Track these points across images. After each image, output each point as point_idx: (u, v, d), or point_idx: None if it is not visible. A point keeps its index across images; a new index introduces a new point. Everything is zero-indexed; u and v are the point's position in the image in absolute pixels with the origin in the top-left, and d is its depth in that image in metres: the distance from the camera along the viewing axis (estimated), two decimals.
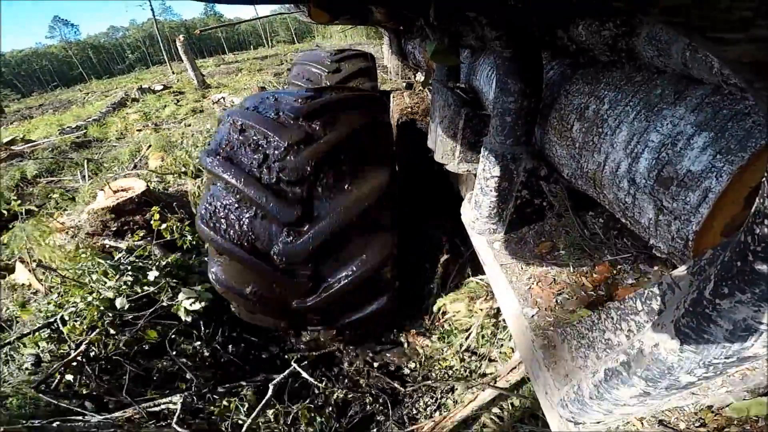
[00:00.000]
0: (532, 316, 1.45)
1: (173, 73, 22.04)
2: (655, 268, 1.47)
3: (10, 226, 4.92)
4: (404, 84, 6.46)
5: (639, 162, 1.13)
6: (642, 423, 1.13)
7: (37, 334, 2.95)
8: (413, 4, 2.22)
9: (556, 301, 1.49)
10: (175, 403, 2.60)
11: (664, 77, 1.17)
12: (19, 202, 5.47)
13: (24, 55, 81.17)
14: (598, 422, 1.08)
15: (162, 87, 15.41)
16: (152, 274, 3.22)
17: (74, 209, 4.97)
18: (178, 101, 12.71)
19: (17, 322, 3.45)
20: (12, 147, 8.24)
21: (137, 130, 9.50)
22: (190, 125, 9.32)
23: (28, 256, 4.01)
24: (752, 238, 0.58)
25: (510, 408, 2.50)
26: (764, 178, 0.56)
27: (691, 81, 1.08)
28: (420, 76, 6.12)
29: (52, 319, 3.00)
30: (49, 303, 3.19)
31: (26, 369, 2.84)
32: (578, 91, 1.52)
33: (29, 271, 3.93)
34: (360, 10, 3.54)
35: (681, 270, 0.94)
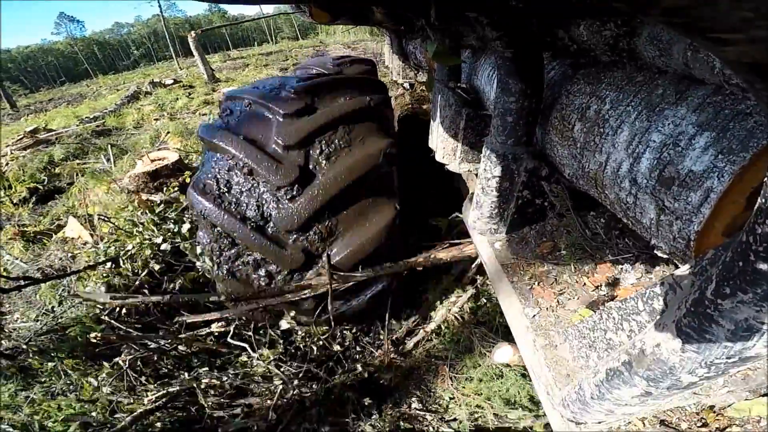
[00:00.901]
0: (534, 316, 1.46)
1: (180, 68, 22.24)
2: (657, 268, 1.47)
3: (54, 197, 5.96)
4: (406, 84, 6.46)
5: (640, 162, 1.13)
6: (643, 423, 1.13)
7: (96, 271, 3.47)
8: (414, 5, 2.22)
9: (558, 301, 1.49)
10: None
11: (665, 77, 1.17)
12: (77, 161, 6.70)
13: (30, 51, 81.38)
14: (600, 422, 1.08)
15: (172, 81, 15.67)
16: (185, 227, 3.60)
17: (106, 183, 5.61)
18: (189, 94, 12.97)
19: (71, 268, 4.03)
20: (36, 135, 8.66)
21: (154, 120, 9.94)
22: (205, 114, 9.76)
23: (86, 204, 4.95)
24: (754, 237, 0.58)
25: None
26: (766, 178, 0.56)
27: (693, 81, 1.08)
28: (421, 77, 6.12)
29: (109, 258, 3.53)
30: (108, 246, 3.72)
31: (86, 303, 3.28)
32: (579, 91, 1.52)
33: (81, 224, 4.57)
34: (361, 11, 3.54)
35: (683, 270, 0.94)
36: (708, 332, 0.69)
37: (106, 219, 4.23)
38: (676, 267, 1.03)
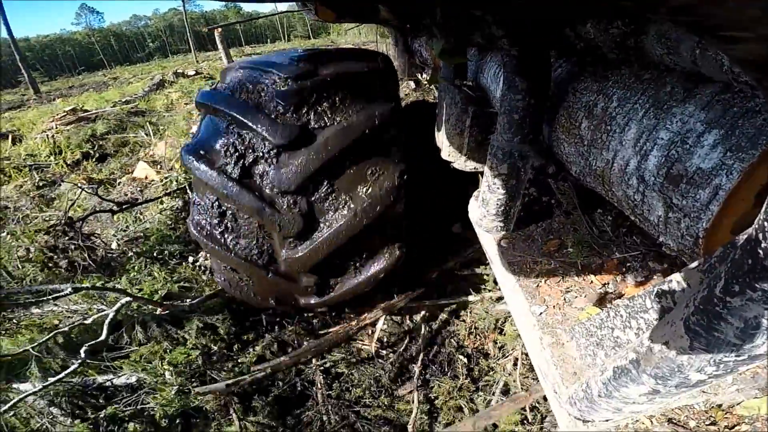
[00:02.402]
0: (540, 313, 1.46)
1: (198, 61, 22.50)
2: (665, 265, 1.47)
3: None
4: (411, 82, 6.45)
5: (648, 159, 1.12)
6: (651, 421, 1.13)
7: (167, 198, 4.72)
8: (420, 3, 2.22)
9: (565, 299, 1.49)
10: None
11: (673, 75, 1.17)
12: (118, 135, 7.78)
13: (48, 41, 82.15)
14: (607, 420, 1.08)
15: (194, 72, 16.10)
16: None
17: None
18: (212, 84, 13.08)
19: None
20: (76, 113, 9.37)
21: (184, 104, 10.48)
22: None
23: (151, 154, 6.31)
24: (763, 235, 0.58)
25: None
26: None
27: (701, 78, 1.07)
28: (426, 75, 6.11)
29: (180, 187, 4.81)
30: (178, 175, 5.08)
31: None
32: (586, 89, 1.51)
33: (148, 165, 5.78)
34: (366, 9, 3.54)
35: (691, 267, 0.94)
36: (717, 330, 0.69)
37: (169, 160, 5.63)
38: (684, 265, 1.02)
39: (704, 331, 0.71)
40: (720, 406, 1.12)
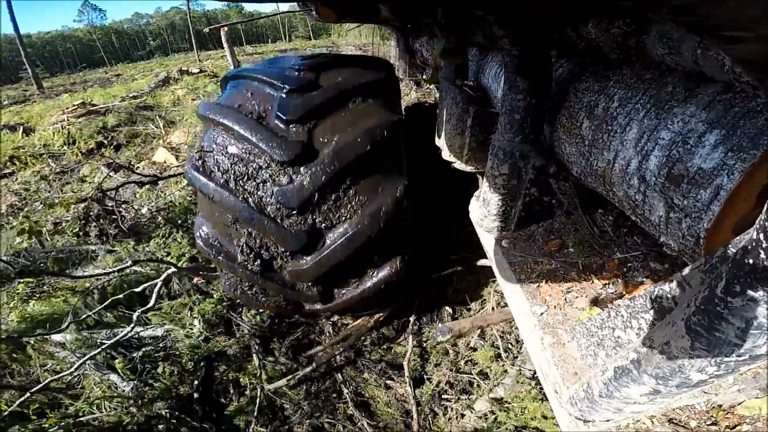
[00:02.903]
0: (541, 313, 1.45)
1: (200, 60, 22.81)
2: (666, 266, 1.47)
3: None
4: (412, 82, 6.46)
5: (649, 159, 1.12)
6: (652, 421, 1.13)
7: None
8: (422, 3, 2.22)
9: (566, 299, 1.49)
10: None
11: (674, 75, 1.17)
12: (128, 127, 8.17)
13: (50, 37, 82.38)
14: (608, 420, 1.08)
15: (198, 70, 16.61)
16: None
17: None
18: (217, 81, 13.63)
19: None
20: (86, 107, 9.80)
21: (191, 100, 10.89)
22: None
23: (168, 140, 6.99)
24: (765, 235, 0.58)
25: None
26: None
27: (702, 78, 1.07)
28: (427, 75, 6.12)
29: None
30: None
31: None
32: (587, 89, 1.51)
33: (167, 150, 6.46)
34: (367, 9, 3.54)
35: (692, 268, 0.94)
36: (718, 330, 0.69)
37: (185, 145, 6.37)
38: (686, 265, 1.02)
39: (705, 331, 0.71)
40: (721, 406, 1.12)
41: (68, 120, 8.42)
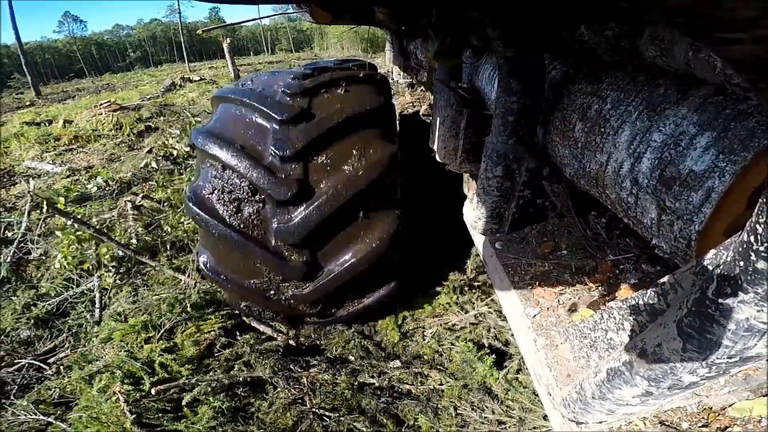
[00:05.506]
0: (534, 315, 1.46)
1: (190, 71, 23.17)
2: (658, 268, 1.47)
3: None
4: (406, 84, 6.46)
5: (641, 162, 1.13)
6: (644, 423, 1.13)
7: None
8: (416, 5, 2.22)
9: (559, 301, 1.49)
10: None
11: (666, 77, 1.17)
12: (161, 119, 9.07)
13: (29, 48, 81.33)
14: (601, 422, 1.08)
15: (198, 78, 17.43)
16: None
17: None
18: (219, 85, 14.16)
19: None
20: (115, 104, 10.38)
21: (206, 100, 11.51)
22: None
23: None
24: (755, 237, 0.58)
25: None
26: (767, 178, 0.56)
27: (694, 81, 1.08)
28: (422, 77, 6.13)
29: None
30: None
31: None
32: (581, 91, 1.52)
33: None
34: (362, 11, 3.54)
35: (684, 270, 0.94)
36: (709, 332, 0.69)
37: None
38: (677, 267, 1.03)
39: (697, 333, 0.71)
40: (712, 408, 1.12)
41: (105, 113, 9.07)
